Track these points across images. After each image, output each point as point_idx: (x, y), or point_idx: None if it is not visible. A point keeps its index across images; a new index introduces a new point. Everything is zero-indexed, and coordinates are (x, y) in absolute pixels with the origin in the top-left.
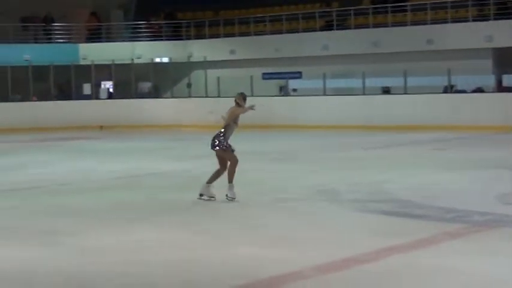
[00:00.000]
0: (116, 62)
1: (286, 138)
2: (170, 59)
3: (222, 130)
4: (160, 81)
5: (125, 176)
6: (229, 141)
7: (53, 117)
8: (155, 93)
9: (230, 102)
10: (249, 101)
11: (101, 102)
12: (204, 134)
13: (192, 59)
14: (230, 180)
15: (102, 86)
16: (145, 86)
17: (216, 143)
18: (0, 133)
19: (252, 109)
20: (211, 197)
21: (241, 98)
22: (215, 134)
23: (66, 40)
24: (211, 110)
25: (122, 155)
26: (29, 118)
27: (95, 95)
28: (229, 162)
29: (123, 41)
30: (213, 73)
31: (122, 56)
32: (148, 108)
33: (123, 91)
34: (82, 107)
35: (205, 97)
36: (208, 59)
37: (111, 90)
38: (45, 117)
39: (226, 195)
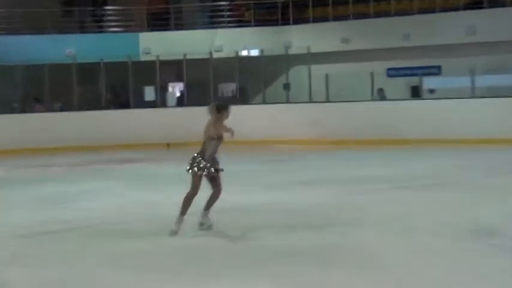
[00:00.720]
0: (189, 57)
1: (423, 157)
2: (261, 51)
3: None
4: (248, 82)
5: (199, 212)
6: (215, 161)
7: (103, 132)
8: (241, 97)
9: (342, 109)
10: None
11: (168, 112)
12: (307, 153)
13: (291, 51)
14: (181, 211)
15: (170, 89)
16: (229, 88)
17: (190, 165)
18: (37, 154)
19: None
20: (210, 226)
21: (217, 109)
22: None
23: (123, 29)
24: (316, 120)
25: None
26: (73, 133)
27: (160, 102)
28: (218, 185)
29: (199, 28)
30: (319, 69)
31: (197, 49)
32: (231, 119)
33: (198, 96)
34: (143, 118)
35: (309, 102)
36: (313, 50)
37: (181, 94)
38: (94, 131)
39: (172, 229)
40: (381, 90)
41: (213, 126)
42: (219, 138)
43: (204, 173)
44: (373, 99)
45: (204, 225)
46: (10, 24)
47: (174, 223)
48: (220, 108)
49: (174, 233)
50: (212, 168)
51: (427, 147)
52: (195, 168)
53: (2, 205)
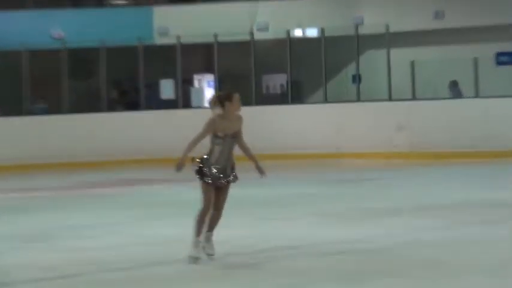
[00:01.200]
0: (222, 39)
1: None
2: (321, 30)
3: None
4: (304, 73)
5: (238, 252)
6: (214, 168)
7: (103, 143)
8: (294, 94)
9: (435, 109)
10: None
11: (192, 114)
12: (387, 170)
13: (363, 30)
14: (195, 232)
15: (196, 82)
16: (277, 81)
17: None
18: (13, 173)
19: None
20: (210, 255)
21: (215, 101)
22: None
23: (131, 1)
24: (401, 125)
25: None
26: (61, 144)
27: (182, 100)
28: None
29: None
30: (401, 55)
31: (233, 28)
32: (281, 123)
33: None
34: (158, 123)
35: (389, 100)
36: (393, 29)
37: (210, 89)
38: (91, 142)
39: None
40: (454, 84)
41: (213, 122)
42: (226, 137)
43: (209, 181)
44: (475, 96)
45: (205, 250)
46: None
47: (190, 247)
48: (223, 99)
49: (194, 260)
50: (221, 175)
51: None
52: (204, 178)
53: None
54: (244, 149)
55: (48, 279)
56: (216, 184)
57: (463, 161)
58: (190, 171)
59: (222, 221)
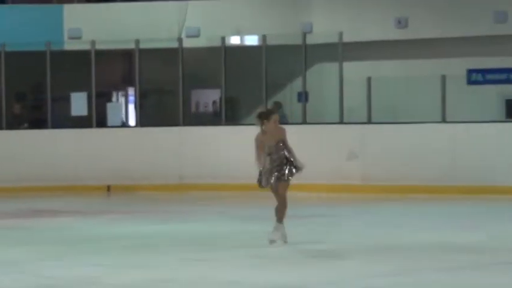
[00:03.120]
0: (144, 46)
1: None
2: (263, 38)
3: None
4: (241, 88)
5: None
6: (267, 176)
7: (3, 168)
8: (229, 114)
9: (395, 134)
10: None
11: (109, 135)
12: (339, 205)
13: (311, 40)
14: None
15: (115, 98)
16: (208, 98)
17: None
18: None
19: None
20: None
21: (257, 119)
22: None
23: None
24: (353, 153)
25: (151, 250)
26: None
27: (97, 118)
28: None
29: None
30: (356, 69)
31: (157, 33)
32: (213, 147)
33: (158, 109)
34: (68, 145)
35: (339, 123)
36: (347, 38)
37: (130, 107)
38: None
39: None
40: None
41: (256, 139)
42: (269, 154)
43: (261, 186)
44: (441, 121)
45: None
46: None
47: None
48: (263, 118)
49: (272, 242)
50: (263, 179)
51: None
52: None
53: None
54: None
55: None
56: (269, 186)
57: (423, 196)
58: (106, 202)
59: (137, 261)
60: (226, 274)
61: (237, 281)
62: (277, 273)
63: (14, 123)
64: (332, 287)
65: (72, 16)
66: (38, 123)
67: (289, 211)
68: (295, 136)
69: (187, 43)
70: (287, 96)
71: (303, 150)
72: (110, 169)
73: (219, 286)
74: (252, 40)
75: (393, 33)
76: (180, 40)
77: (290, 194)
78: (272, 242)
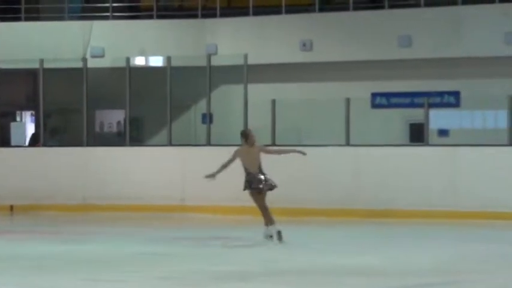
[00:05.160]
0: (48, 66)
1: (431, 240)
2: (167, 59)
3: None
4: (145, 109)
5: None
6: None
7: None
8: (132, 134)
9: (298, 157)
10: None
11: (12, 155)
12: (240, 227)
13: (216, 61)
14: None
15: (18, 118)
16: (112, 118)
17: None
18: None
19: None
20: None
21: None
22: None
23: None
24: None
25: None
26: None
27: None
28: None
29: (66, 18)
30: (261, 91)
31: (62, 53)
32: (117, 167)
33: (62, 129)
34: None
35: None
36: (252, 60)
37: (35, 126)
38: None
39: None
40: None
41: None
42: (245, 168)
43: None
44: (345, 144)
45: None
46: None
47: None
48: (243, 136)
49: (268, 237)
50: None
51: (434, 223)
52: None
53: None
54: (277, 152)
55: None
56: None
57: (324, 219)
58: (8, 222)
59: (34, 282)
60: None
61: None
62: None
63: None
64: None
65: None
66: None
67: (192, 234)
68: (200, 158)
69: (92, 63)
70: (191, 117)
71: (207, 171)
72: (13, 188)
73: None
74: (156, 61)
75: (298, 56)
76: (84, 60)
77: (193, 215)
78: (269, 237)
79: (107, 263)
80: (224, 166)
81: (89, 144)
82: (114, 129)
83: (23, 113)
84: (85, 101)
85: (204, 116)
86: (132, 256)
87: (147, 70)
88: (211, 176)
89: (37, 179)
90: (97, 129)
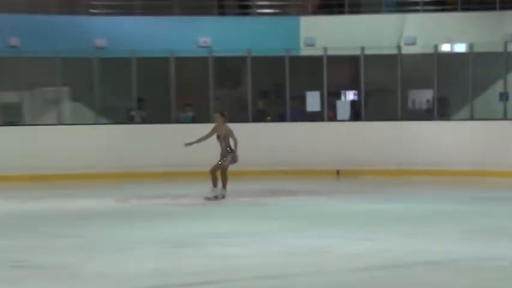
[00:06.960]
0: (368, 52)
1: None
2: (470, 46)
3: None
4: (451, 89)
5: (380, 265)
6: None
7: (247, 153)
8: (440, 110)
9: None
10: None
11: (339, 128)
12: None
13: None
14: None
15: (343, 97)
16: (422, 97)
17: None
18: (160, 180)
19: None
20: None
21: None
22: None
23: (277, 10)
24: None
25: (377, 226)
26: (204, 154)
27: (329, 113)
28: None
29: (383, 12)
30: None
31: (379, 41)
32: (426, 139)
33: (379, 106)
34: (302, 135)
35: None
36: None
37: (356, 103)
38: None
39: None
40: None
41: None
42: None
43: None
44: None
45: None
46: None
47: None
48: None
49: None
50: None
51: None
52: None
53: (110, 247)
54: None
55: (192, 285)
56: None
57: None
58: (336, 184)
59: (361, 235)
60: (438, 246)
61: (446, 253)
62: (481, 247)
63: (258, 117)
64: None
65: (308, 26)
66: (278, 117)
67: (490, 194)
68: (498, 130)
69: (405, 50)
70: (490, 96)
71: (505, 142)
72: (339, 156)
73: (431, 257)
74: (460, 47)
75: None
76: (399, 47)
77: (492, 179)
78: (210, 199)
79: (420, 219)
80: None
81: (403, 119)
82: (424, 106)
83: (347, 92)
84: (399, 82)
85: (501, 94)
86: (440, 213)
87: (452, 55)
88: None
89: (359, 148)
90: (409, 106)
